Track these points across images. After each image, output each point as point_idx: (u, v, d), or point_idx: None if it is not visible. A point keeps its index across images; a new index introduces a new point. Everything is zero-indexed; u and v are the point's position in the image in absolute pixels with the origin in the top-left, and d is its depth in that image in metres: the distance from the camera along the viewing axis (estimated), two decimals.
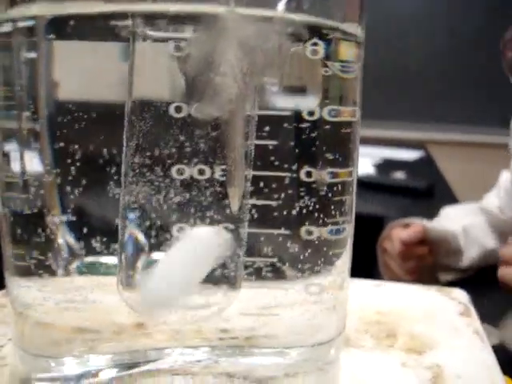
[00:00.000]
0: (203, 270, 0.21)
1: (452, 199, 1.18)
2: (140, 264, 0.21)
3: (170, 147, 0.20)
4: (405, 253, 0.82)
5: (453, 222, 0.86)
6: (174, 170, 0.20)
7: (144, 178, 0.20)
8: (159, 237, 0.20)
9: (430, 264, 0.85)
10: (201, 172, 0.20)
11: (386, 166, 1.55)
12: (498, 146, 2.19)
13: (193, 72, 0.19)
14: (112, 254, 0.20)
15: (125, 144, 0.19)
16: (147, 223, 0.20)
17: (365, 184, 1.31)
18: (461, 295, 0.34)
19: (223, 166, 0.20)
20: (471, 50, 2.18)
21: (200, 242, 0.21)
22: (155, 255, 0.21)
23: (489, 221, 0.86)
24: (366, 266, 1.00)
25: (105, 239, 0.20)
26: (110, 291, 0.20)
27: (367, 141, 1.92)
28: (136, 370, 0.22)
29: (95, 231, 0.20)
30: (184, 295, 0.21)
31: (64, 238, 0.20)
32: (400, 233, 0.84)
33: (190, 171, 0.20)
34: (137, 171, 0.20)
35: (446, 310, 0.32)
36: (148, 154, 0.20)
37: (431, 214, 0.94)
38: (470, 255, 0.84)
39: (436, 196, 1.25)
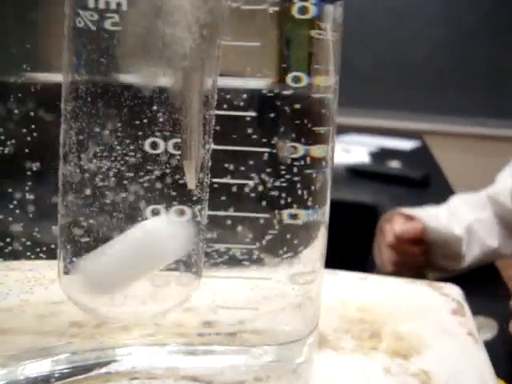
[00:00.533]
0: (153, 261, 0.18)
1: (447, 189, 1.16)
2: (82, 250, 0.18)
3: (115, 119, 0.16)
4: (396, 246, 0.79)
5: (458, 220, 0.83)
6: (122, 145, 0.17)
7: (87, 156, 0.16)
8: (104, 221, 0.17)
9: (420, 263, 0.82)
10: (153, 145, 0.17)
11: (381, 154, 1.52)
12: (494, 137, 2.17)
13: (138, 25, 0.16)
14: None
15: (63, 120, 0.16)
16: (89, 206, 0.17)
17: (359, 172, 1.28)
18: (454, 291, 0.31)
19: (177, 137, 0.17)
20: (472, 41, 2.15)
21: (150, 235, 0.18)
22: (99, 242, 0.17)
23: (496, 212, 0.83)
24: (359, 254, 0.98)
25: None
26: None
27: (364, 130, 1.90)
28: (93, 372, 0.19)
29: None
30: (128, 285, 0.18)
31: None
32: (398, 224, 0.81)
33: (141, 145, 0.17)
34: (77, 148, 0.16)
35: (436, 308, 0.29)
36: (91, 128, 0.16)
37: (426, 203, 0.91)
38: (471, 255, 0.80)
39: (431, 186, 1.23)
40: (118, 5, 0.15)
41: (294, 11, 0.17)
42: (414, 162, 1.46)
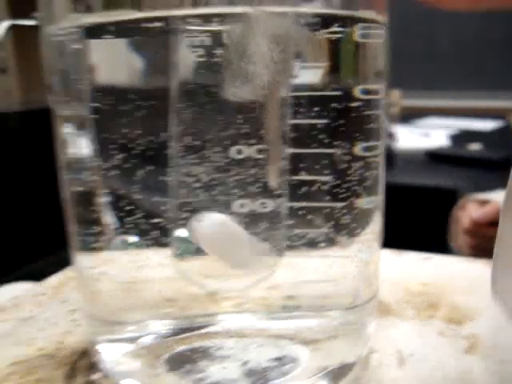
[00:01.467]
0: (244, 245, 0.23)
1: None
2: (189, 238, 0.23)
3: (211, 130, 0.22)
4: (473, 231, 0.80)
5: None
6: (214, 151, 0.22)
7: (190, 159, 0.22)
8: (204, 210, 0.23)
9: None
10: (239, 152, 0.22)
11: (461, 137, 1.50)
12: None
13: (229, 62, 0.21)
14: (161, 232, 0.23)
15: (170, 129, 0.21)
16: (193, 202, 0.23)
17: (439, 157, 1.28)
18: None
19: (260, 146, 0.22)
20: None
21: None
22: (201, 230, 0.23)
23: None
24: (438, 238, 0.99)
25: (149, 219, 0.23)
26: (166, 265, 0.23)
27: (444, 112, 1.87)
28: (193, 333, 0.24)
29: (140, 211, 0.23)
30: (229, 265, 0.23)
31: (113, 217, 0.23)
32: (473, 209, 0.82)
33: (230, 151, 0.22)
34: (182, 152, 0.22)
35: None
36: (192, 137, 0.22)
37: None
38: None
39: None
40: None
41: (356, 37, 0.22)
42: (496, 143, 1.43)
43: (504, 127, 1.70)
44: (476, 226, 0.80)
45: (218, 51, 0.21)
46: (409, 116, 1.76)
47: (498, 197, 0.83)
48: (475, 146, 1.36)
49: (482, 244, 0.81)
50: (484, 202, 0.83)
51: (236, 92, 0.21)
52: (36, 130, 0.83)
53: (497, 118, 1.79)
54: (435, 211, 1.08)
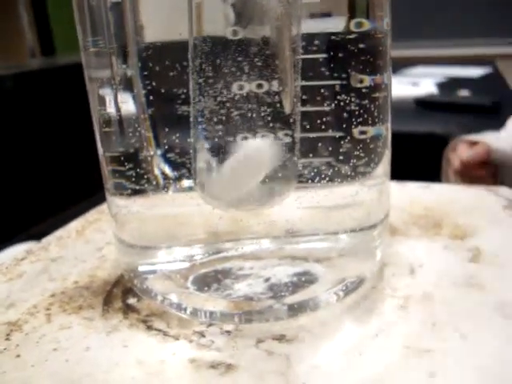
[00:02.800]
0: (259, 171, 0.24)
1: None
2: (210, 169, 0.25)
3: (230, 67, 0.23)
4: (463, 172, 0.83)
5: None
6: (235, 86, 0.23)
7: (210, 96, 0.23)
8: (226, 145, 0.24)
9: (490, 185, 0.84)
10: (258, 85, 0.23)
11: (450, 84, 1.51)
12: None
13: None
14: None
15: (191, 67, 0.23)
16: (215, 134, 0.24)
17: (428, 104, 1.30)
18: (506, 192, 0.36)
19: (276, 76, 0.23)
20: None
21: (256, 154, 0.24)
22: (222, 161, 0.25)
23: None
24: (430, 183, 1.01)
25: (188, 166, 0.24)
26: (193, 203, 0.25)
27: (432, 60, 1.87)
28: (214, 256, 0.26)
29: (184, 160, 0.24)
30: (245, 189, 0.25)
31: (158, 168, 0.25)
32: (463, 150, 0.84)
33: (249, 86, 0.23)
34: (204, 90, 0.23)
35: (490, 205, 0.34)
36: (212, 74, 0.23)
37: (498, 130, 0.93)
38: None
39: (503, 112, 1.22)
40: None
41: None
42: (484, 89, 1.45)
43: (491, 73, 1.71)
44: (465, 167, 0.82)
45: None
46: (396, 66, 1.76)
47: (486, 138, 0.85)
48: (464, 93, 1.37)
49: (473, 184, 0.83)
50: (473, 143, 0.85)
51: (252, 27, 0.23)
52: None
53: (484, 64, 1.80)
54: (427, 157, 1.10)
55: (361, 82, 0.24)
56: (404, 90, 1.39)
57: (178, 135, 0.24)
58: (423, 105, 1.30)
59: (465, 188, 0.38)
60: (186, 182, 0.25)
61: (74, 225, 0.37)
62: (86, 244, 0.34)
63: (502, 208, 0.34)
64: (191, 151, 0.24)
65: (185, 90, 0.23)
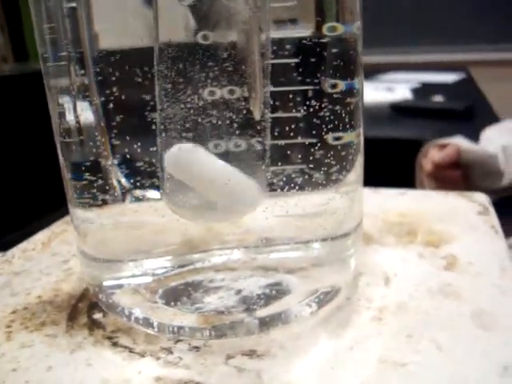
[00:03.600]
0: (227, 180, 0.23)
1: (493, 119, 1.17)
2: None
3: (198, 72, 0.22)
4: (436, 174, 0.83)
5: (492, 143, 0.86)
6: (202, 92, 0.22)
7: (177, 102, 0.22)
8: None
9: (461, 188, 0.85)
10: (227, 91, 0.23)
11: (424, 90, 1.53)
12: None
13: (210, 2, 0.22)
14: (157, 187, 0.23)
15: (157, 73, 0.22)
16: (181, 141, 0.23)
17: (402, 109, 1.30)
18: (480, 198, 0.36)
19: (244, 81, 0.22)
20: None
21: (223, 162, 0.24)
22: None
23: None
24: (404, 187, 1.02)
25: (150, 176, 0.23)
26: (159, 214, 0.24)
27: (406, 67, 1.89)
28: (184, 269, 0.25)
29: (146, 169, 0.23)
30: (212, 199, 0.24)
31: (116, 178, 0.24)
32: (434, 153, 0.85)
33: (217, 92, 0.22)
34: (170, 97, 0.22)
35: (465, 211, 0.34)
36: (179, 80, 0.22)
37: (471, 135, 0.93)
38: (510, 171, 0.83)
39: (476, 117, 1.23)
40: None
41: None
42: (457, 94, 1.47)
43: (465, 79, 1.74)
44: (438, 169, 0.83)
45: None
46: (371, 71, 1.77)
47: (457, 140, 0.86)
48: (438, 98, 1.39)
49: (445, 186, 0.84)
50: (444, 146, 0.86)
51: (220, 31, 0.22)
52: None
53: (457, 70, 1.83)
54: (401, 162, 1.10)
55: (332, 87, 0.23)
56: (379, 96, 1.40)
57: (137, 144, 0.23)
58: (398, 110, 1.31)
59: (439, 194, 0.38)
60: (148, 192, 0.24)
61: (40, 236, 0.36)
62: (51, 256, 0.32)
63: (477, 214, 0.34)
64: (157, 159, 0.23)
65: (143, 98, 0.22)
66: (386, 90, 1.48)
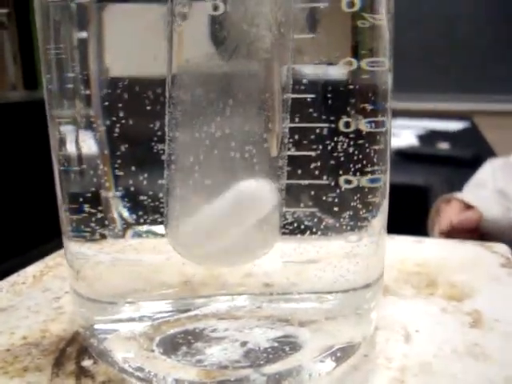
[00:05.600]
0: (243, 218, 0.21)
1: None
2: (183, 215, 0.22)
3: (212, 102, 0.20)
4: (449, 234, 0.80)
5: (484, 187, 0.83)
6: (215, 124, 0.21)
7: (190, 133, 0.21)
8: (203, 189, 0.21)
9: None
10: (242, 124, 0.21)
11: (430, 137, 1.53)
12: None
13: (229, 26, 0.20)
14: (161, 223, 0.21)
15: (168, 102, 0.20)
16: (191, 176, 0.21)
17: (408, 155, 1.30)
18: (502, 249, 0.34)
19: (263, 114, 0.21)
20: None
21: (242, 195, 0.22)
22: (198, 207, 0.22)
23: None
24: (410, 233, 1.00)
25: (155, 211, 0.21)
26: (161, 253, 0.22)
27: (412, 113, 1.90)
28: (184, 314, 0.23)
29: (145, 204, 0.21)
30: (223, 240, 0.22)
31: (117, 211, 0.22)
32: (455, 213, 0.81)
33: (232, 124, 0.21)
34: (181, 127, 0.21)
35: (487, 262, 0.32)
36: (194, 108, 0.20)
37: None
38: None
39: (482, 166, 1.22)
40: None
41: (343, 6, 0.21)
42: (463, 142, 1.46)
43: (469, 127, 1.74)
44: (454, 230, 0.80)
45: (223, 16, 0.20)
46: None
47: (481, 203, 0.82)
48: (443, 145, 1.38)
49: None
50: (467, 205, 0.83)
51: (239, 59, 0.20)
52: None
53: (462, 119, 1.83)
54: (406, 208, 1.09)
55: (359, 126, 0.22)
56: None
57: (141, 177, 0.21)
58: (404, 156, 1.30)
59: (458, 243, 0.36)
60: (150, 228, 0.22)
61: (32, 269, 0.33)
62: (42, 292, 0.30)
63: (500, 266, 0.31)
64: (163, 194, 0.21)
65: (148, 130, 0.21)
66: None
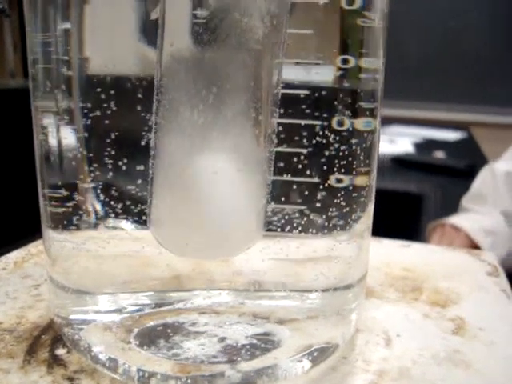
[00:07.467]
0: (223, 214, 0.21)
1: None
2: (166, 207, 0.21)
3: (200, 91, 0.20)
4: None
5: (489, 214, 0.81)
6: (203, 115, 0.20)
7: (177, 122, 0.20)
8: (187, 181, 0.21)
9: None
10: (229, 115, 0.20)
11: (426, 145, 1.53)
12: None
13: (220, 13, 0.20)
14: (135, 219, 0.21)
15: (156, 91, 0.20)
16: (175, 168, 0.21)
17: (404, 162, 1.30)
18: (490, 257, 0.34)
19: (252, 105, 0.20)
20: None
21: (220, 193, 0.21)
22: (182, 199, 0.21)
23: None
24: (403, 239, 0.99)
25: (133, 202, 0.21)
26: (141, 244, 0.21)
27: (409, 121, 1.90)
28: (164, 308, 0.23)
29: (123, 195, 0.21)
30: (206, 234, 0.21)
31: (94, 201, 0.21)
32: (448, 238, 0.79)
33: (220, 115, 0.20)
34: (168, 117, 0.20)
35: (473, 270, 0.32)
36: (182, 96, 0.20)
37: None
38: None
39: (476, 176, 1.22)
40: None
41: (343, 3, 0.21)
42: (459, 152, 1.46)
43: (466, 138, 1.74)
44: None
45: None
46: None
47: (475, 230, 0.80)
48: (439, 154, 1.38)
49: None
50: (458, 229, 0.81)
51: (229, 48, 0.20)
52: None
53: (458, 129, 1.83)
54: (400, 214, 1.09)
55: (349, 124, 0.21)
56: (381, 147, 1.39)
57: (121, 169, 0.20)
58: (399, 163, 1.30)
59: (445, 250, 0.35)
60: (128, 220, 0.21)
61: (13, 255, 0.33)
62: (21, 279, 0.30)
63: (487, 274, 0.31)
64: (148, 186, 0.21)
65: (128, 126, 0.20)
66: (388, 142, 1.48)
